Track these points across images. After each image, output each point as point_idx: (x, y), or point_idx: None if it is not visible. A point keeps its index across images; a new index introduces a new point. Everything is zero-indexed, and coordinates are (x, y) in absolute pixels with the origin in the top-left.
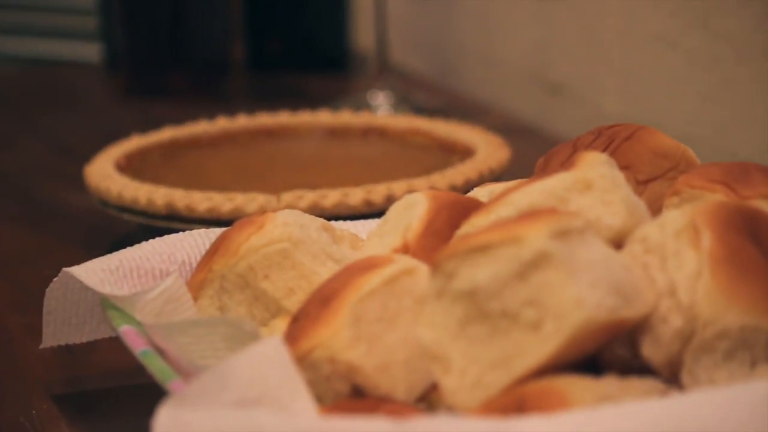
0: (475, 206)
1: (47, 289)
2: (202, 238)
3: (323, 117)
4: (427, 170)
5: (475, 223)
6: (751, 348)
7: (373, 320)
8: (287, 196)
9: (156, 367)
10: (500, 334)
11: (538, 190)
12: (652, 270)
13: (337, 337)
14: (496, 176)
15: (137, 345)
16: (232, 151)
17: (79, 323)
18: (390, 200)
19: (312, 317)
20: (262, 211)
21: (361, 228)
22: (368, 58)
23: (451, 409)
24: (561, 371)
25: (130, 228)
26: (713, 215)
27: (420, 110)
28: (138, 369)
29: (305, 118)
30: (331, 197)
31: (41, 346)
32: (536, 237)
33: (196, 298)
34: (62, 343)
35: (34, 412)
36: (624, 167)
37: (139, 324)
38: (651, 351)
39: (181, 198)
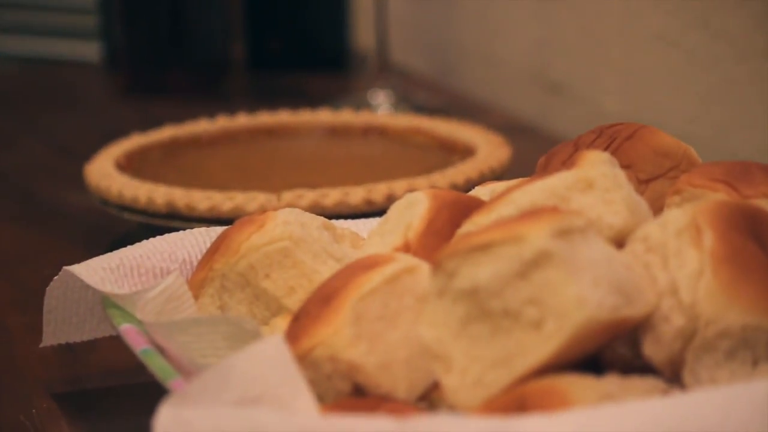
0: (477, 205)
1: (48, 288)
2: (202, 237)
3: (324, 116)
4: (428, 169)
5: (476, 222)
6: (753, 347)
7: (374, 319)
8: (288, 195)
9: (157, 365)
10: (502, 333)
11: (539, 189)
12: (654, 269)
13: (338, 335)
14: (497, 175)
15: (138, 343)
16: (232, 150)
17: (79, 322)
18: (390, 199)
19: (313, 316)
20: (263, 210)
21: (362, 227)
22: (368, 58)
23: (452, 408)
24: (562, 370)
25: (130, 227)
26: (715, 214)
27: (420, 109)
28: (138, 368)
29: (306, 117)
30: (331, 196)
31: (41, 345)
32: (538, 236)
33: (196, 297)
34: (62, 341)
35: (34, 410)
36: (625, 166)
37: (139, 322)
38: (652, 350)
39: (181, 197)
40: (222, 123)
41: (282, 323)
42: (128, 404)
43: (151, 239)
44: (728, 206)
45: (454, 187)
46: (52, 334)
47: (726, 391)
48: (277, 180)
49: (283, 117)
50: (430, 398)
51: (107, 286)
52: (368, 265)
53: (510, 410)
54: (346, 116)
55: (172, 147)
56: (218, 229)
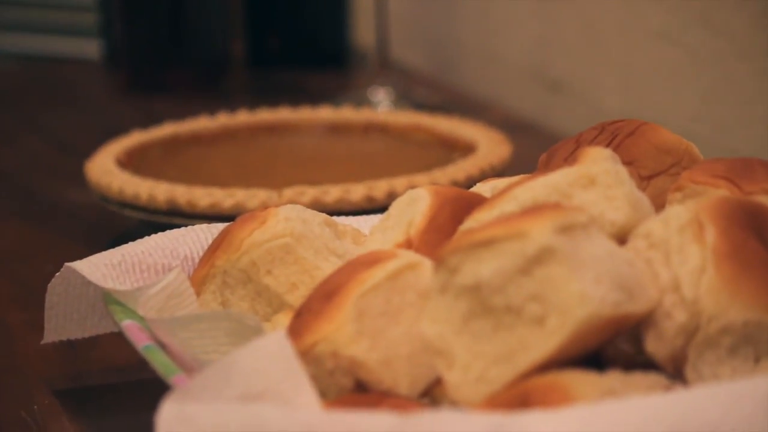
0: (478, 201)
1: (49, 285)
2: (204, 234)
3: (324, 113)
4: (429, 166)
5: (478, 218)
6: (755, 343)
7: (377, 315)
8: (288, 192)
9: (159, 361)
10: (504, 329)
11: (541, 186)
12: (656, 265)
13: (340, 331)
14: (498, 172)
15: (140, 340)
16: (233, 147)
17: (80, 318)
18: (391, 196)
19: (315, 312)
20: (264, 206)
21: (363, 223)
22: (368, 55)
23: (454, 404)
24: (565, 366)
25: (131, 224)
26: (717, 210)
27: (420, 107)
28: (139, 364)
29: (306, 114)
30: (332, 193)
31: (43, 342)
32: (540, 232)
33: (198, 293)
34: (64, 338)
35: (35, 407)
36: (627, 163)
37: (141, 319)
38: (655, 346)
39: (182, 194)
40: (223, 120)
41: (284, 319)
42: (129, 400)
43: (153, 236)
44: (730, 202)
45: (455, 184)
46: (54, 331)
47: (728, 387)
48: (278, 177)
49: (283, 114)
50: (432, 394)
51: (109, 283)
52: (370, 261)
53: (512, 406)
54: (346, 113)
55: (173, 144)
56: (220, 226)
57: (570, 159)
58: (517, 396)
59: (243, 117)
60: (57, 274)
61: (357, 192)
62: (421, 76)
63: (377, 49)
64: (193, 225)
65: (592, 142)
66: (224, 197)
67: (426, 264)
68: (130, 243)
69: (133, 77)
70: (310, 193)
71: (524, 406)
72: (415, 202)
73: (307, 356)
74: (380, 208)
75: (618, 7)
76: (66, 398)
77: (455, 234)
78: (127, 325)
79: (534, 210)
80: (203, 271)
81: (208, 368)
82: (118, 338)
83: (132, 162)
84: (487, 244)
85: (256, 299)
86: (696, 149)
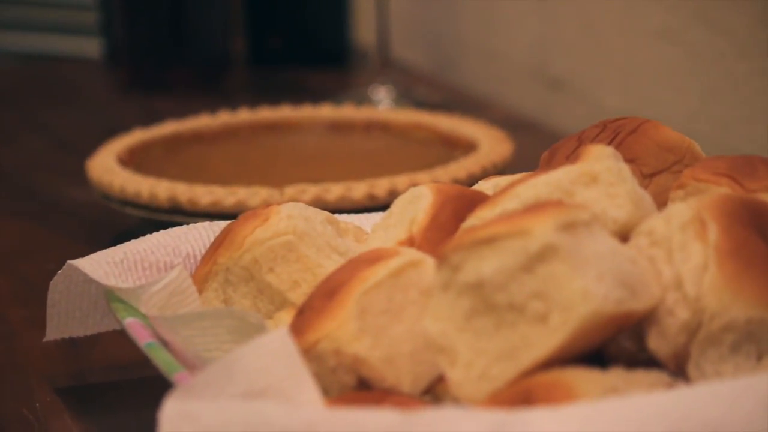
0: (481, 199)
1: (51, 282)
2: (206, 231)
3: (325, 111)
4: (430, 164)
5: (480, 216)
6: (757, 341)
7: (379, 312)
8: (290, 190)
9: (161, 359)
10: (507, 326)
11: (543, 183)
12: (658, 263)
13: (342, 329)
14: (499, 170)
15: (142, 337)
16: (234, 146)
17: (82, 316)
18: (393, 194)
19: (317, 309)
20: (266, 204)
21: (365, 221)
22: (369, 54)
23: (457, 401)
24: (567, 364)
25: (132, 222)
26: (719, 208)
27: (421, 105)
28: (142, 362)
29: (307, 112)
30: (334, 191)
31: (44, 339)
32: (543, 229)
33: (200, 291)
34: (66, 336)
35: (37, 404)
36: (629, 160)
37: (144, 316)
38: (657, 343)
39: (183, 192)
40: (224, 118)
41: (286, 317)
42: (131, 398)
43: (155, 233)
44: (732, 200)
45: (457, 182)
46: (56, 329)
47: (730, 384)
48: (280, 175)
49: (284, 112)
50: (434, 392)
51: (111, 280)
52: (372, 259)
53: (515, 403)
54: (347, 112)
55: (174, 142)
56: (222, 224)
57: (572, 157)
58: (520, 393)
59: (244, 115)
60: (59, 271)
61: (358, 190)
62: (421, 74)
63: (378, 48)
64: (194, 223)
65: (594, 139)
66: (225, 195)
67: (428, 262)
68: (132, 241)
69: (134, 76)
70: (312, 191)
71: (527, 404)
72: (418, 199)
73: (310, 354)
74: (382, 206)
75: (618, 6)
76: (68, 396)
77: (458, 232)
78: (130, 322)
79: (536, 207)
80: (205, 269)
81: (211, 366)
82: (120, 336)
83: (133, 160)
84: (490, 241)
85: (258, 297)
86: (698, 147)
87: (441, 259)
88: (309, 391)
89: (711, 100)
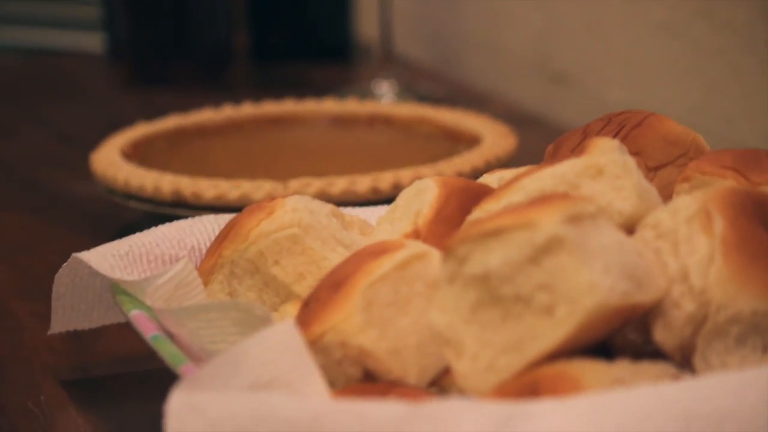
0: (486, 192)
1: (56, 275)
2: (211, 224)
3: (329, 105)
4: (434, 158)
5: (486, 209)
6: (763, 333)
7: (385, 305)
8: (294, 184)
9: (167, 351)
10: (513, 318)
11: (549, 176)
12: (664, 255)
13: (348, 321)
14: (503, 164)
15: (148, 330)
16: (238, 139)
17: (87, 309)
18: (397, 188)
19: (323, 302)
20: (270, 198)
21: (370, 214)
22: (372, 48)
23: (463, 393)
24: (574, 356)
25: (136, 216)
26: (725, 201)
27: (424, 99)
28: (146, 354)
29: (311, 106)
30: (338, 185)
31: (49, 332)
32: (549, 221)
33: (206, 284)
34: (71, 329)
35: (42, 397)
36: (634, 154)
37: (149, 309)
38: (663, 335)
39: (187, 185)
40: (227, 112)
41: (291, 310)
42: (136, 391)
43: (160, 226)
44: (738, 193)
45: (461, 175)
46: (60, 322)
47: (736, 376)
48: (283, 169)
49: (288, 106)
50: (440, 383)
51: (116, 273)
52: (378, 251)
53: (522, 395)
54: (351, 105)
55: (178, 136)
56: (227, 217)
57: (577, 150)
58: (527, 385)
59: (248, 109)
60: (64, 264)
61: (363, 183)
62: (424, 68)
63: (381, 42)
64: (199, 216)
65: (599, 132)
66: (229, 189)
67: (434, 254)
68: (138, 234)
69: (136, 70)
70: (316, 184)
71: (533, 395)
72: (423, 192)
73: (316, 346)
74: (386, 199)
75: (621, 0)
76: (73, 389)
77: (463, 224)
78: (135, 315)
79: (542, 200)
80: (211, 262)
81: (217, 358)
82: (125, 329)
83: (137, 154)
84: (496, 233)
85: (264, 289)
86: (703, 140)
87: (447, 251)
88: (315, 383)
89: (714, 93)
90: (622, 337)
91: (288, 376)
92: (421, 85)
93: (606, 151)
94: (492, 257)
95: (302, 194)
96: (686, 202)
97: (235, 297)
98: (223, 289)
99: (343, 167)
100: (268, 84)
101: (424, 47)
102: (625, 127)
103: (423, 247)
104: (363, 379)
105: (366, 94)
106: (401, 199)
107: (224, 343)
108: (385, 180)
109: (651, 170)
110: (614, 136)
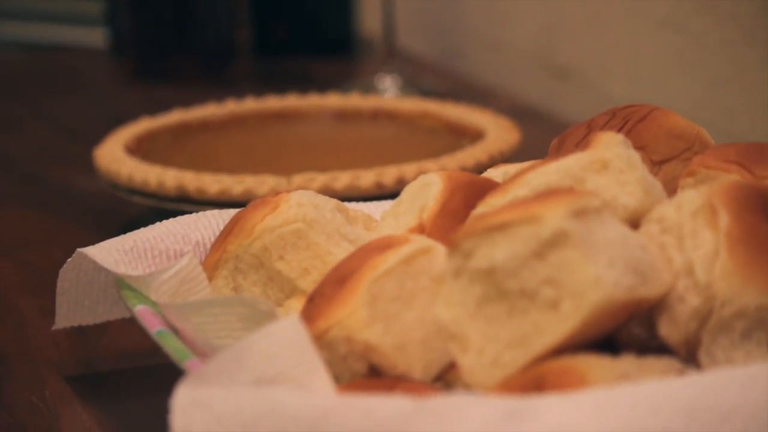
0: (491, 186)
1: (60, 270)
2: (216, 219)
3: (332, 100)
4: (438, 153)
5: (491, 203)
6: None
7: (390, 300)
8: (298, 179)
9: (172, 346)
10: (518, 313)
11: (554, 170)
12: (669, 250)
13: (353, 316)
14: (506, 159)
15: (153, 325)
16: (241, 134)
17: (92, 304)
18: (401, 183)
19: (328, 297)
20: (275, 192)
21: (374, 209)
22: (375, 42)
23: (468, 387)
24: (579, 350)
25: (140, 211)
26: (730, 195)
27: (427, 94)
28: (150, 350)
29: (314, 101)
30: (342, 179)
31: (54, 328)
32: (554, 216)
33: (210, 279)
34: (75, 324)
35: (46, 392)
36: (638, 148)
37: (154, 304)
38: (668, 330)
39: (191, 180)
40: (230, 107)
41: (296, 305)
42: (140, 386)
43: (165, 221)
44: (743, 187)
45: (465, 170)
46: (65, 317)
47: (741, 371)
48: (287, 164)
49: (291, 101)
50: (446, 378)
51: (121, 268)
52: (383, 246)
53: (527, 390)
54: (354, 100)
55: (181, 131)
56: (231, 212)
57: (582, 144)
58: (532, 380)
59: (251, 104)
60: (68, 260)
61: (366, 178)
62: (427, 63)
63: (384, 37)
64: (203, 211)
65: (604, 127)
66: (233, 184)
67: (439, 249)
68: (142, 229)
69: (139, 65)
70: (320, 179)
71: (539, 390)
72: (428, 187)
73: (321, 341)
74: (390, 194)
75: None
76: (77, 384)
77: (468, 219)
78: (140, 310)
79: (547, 194)
80: (215, 257)
81: (222, 353)
82: (129, 324)
83: (141, 149)
84: (501, 228)
85: (269, 284)
86: (707, 134)
87: (452, 245)
88: (320, 378)
89: (717, 88)
90: (627, 332)
91: (293, 371)
92: (425, 79)
93: (611, 146)
94: (497, 252)
95: (306, 189)
96: (691, 197)
97: (239, 292)
98: (227, 284)
99: (346, 162)
100: (271, 79)
101: (428, 42)
102: (629, 121)
103: (428, 242)
104: (368, 374)
105: (369, 88)
106: (406, 193)
107: (229, 339)
108: (388, 175)
109: (656, 164)
110: (619, 131)
